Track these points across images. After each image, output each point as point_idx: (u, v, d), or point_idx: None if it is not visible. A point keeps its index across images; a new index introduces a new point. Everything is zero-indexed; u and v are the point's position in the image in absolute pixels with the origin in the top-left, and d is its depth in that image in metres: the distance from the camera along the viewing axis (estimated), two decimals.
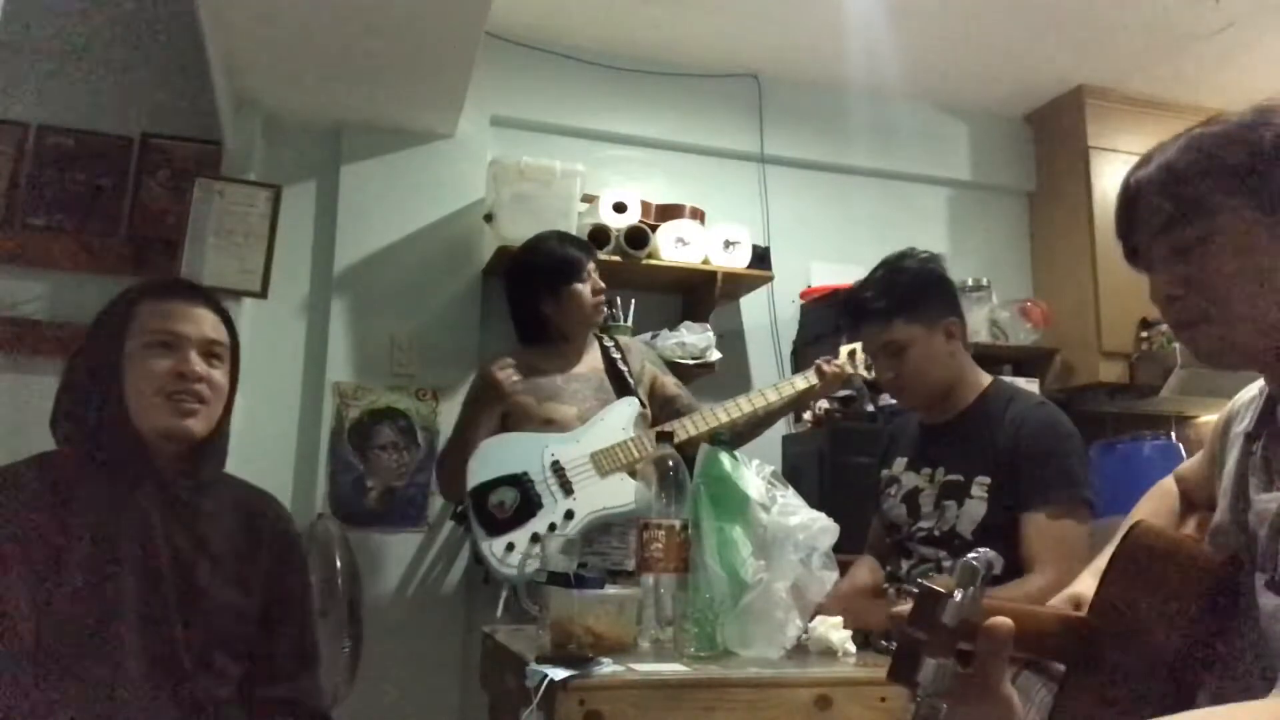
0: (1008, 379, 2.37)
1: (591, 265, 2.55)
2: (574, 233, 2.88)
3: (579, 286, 2.50)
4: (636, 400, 2.50)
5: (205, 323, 1.40)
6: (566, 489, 2.35)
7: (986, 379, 1.98)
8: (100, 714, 1.21)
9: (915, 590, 0.84)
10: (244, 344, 3.02)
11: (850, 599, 1.81)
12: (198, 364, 1.37)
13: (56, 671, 1.20)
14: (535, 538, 2.26)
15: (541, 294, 2.52)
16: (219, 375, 1.40)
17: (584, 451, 2.37)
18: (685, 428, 2.43)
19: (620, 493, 2.36)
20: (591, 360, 2.57)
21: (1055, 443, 1.81)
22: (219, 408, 1.40)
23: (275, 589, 1.43)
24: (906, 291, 1.92)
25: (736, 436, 2.20)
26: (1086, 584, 1.10)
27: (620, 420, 2.44)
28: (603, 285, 2.55)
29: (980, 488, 1.81)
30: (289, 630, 1.44)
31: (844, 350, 2.56)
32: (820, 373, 2.54)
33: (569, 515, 2.31)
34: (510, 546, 2.28)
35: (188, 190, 2.81)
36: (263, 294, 2.83)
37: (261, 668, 1.40)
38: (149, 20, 2.98)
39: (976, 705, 0.81)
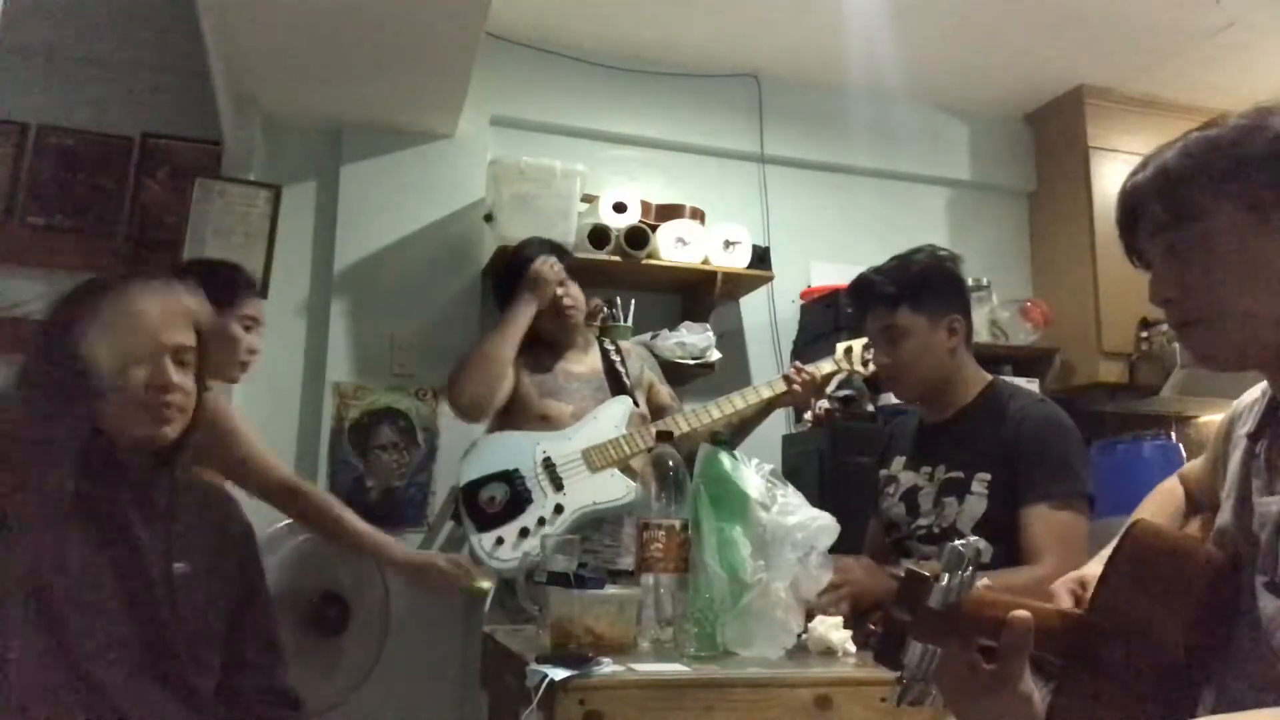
0: (1008, 378, 2.37)
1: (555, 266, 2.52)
2: (574, 233, 2.89)
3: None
4: (629, 399, 2.51)
5: (176, 325, 1.36)
6: (557, 484, 2.36)
7: (987, 378, 1.99)
8: (89, 704, 1.21)
9: (901, 574, 0.85)
10: None
11: (849, 568, 1.74)
12: (173, 374, 1.33)
13: (45, 666, 1.20)
14: (524, 532, 2.28)
15: (509, 300, 2.52)
16: (190, 380, 1.37)
17: (576, 448, 2.39)
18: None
19: (610, 488, 2.37)
20: (592, 361, 2.60)
21: (1056, 438, 1.82)
22: (190, 409, 1.39)
23: (244, 583, 1.48)
24: (916, 281, 1.93)
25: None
26: (1095, 568, 1.10)
27: (613, 418, 2.46)
28: (564, 281, 2.51)
29: (980, 484, 1.82)
30: (257, 621, 1.48)
31: (840, 347, 2.52)
32: (787, 381, 2.49)
33: (558, 510, 2.33)
34: (499, 541, 2.30)
35: (188, 190, 2.81)
36: (263, 294, 2.82)
37: (234, 659, 1.43)
38: (149, 20, 2.97)
39: (997, 700, 0.81)
